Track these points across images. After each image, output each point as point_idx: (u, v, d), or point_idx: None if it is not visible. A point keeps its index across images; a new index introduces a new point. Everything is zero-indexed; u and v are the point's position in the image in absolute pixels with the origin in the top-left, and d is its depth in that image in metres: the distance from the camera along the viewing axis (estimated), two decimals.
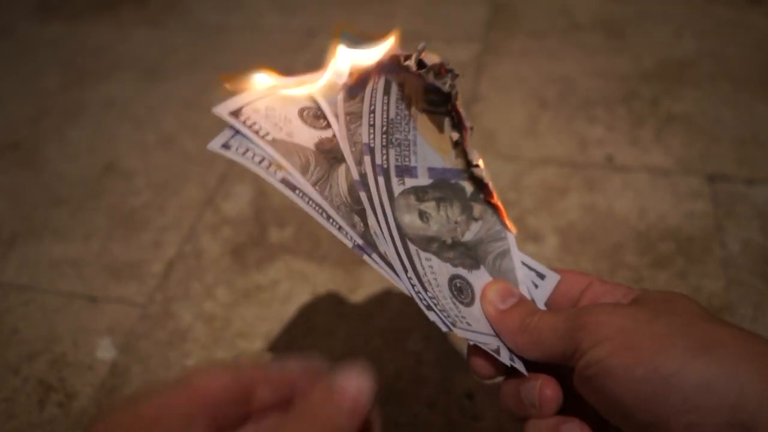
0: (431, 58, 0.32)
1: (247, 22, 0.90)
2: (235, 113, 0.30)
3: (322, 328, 0.51)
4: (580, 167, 0.64)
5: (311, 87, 0.33)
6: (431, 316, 0.30)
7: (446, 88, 0.33)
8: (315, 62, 0.32)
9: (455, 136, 0.35)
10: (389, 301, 0.52)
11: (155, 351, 0.50)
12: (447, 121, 0.35)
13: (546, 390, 0.29)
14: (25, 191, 0.66)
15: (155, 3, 0.97)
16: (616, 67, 0.76)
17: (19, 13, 0.98)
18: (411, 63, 0.31)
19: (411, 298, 0.30)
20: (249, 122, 0.30)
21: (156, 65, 0.83)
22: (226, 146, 0.30)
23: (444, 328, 0.30)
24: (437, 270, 0.32)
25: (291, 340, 0.50)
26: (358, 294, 0.53)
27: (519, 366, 0.30)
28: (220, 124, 0.30)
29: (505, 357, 0.30)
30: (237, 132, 0.30)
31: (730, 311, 0.49)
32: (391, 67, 0.32)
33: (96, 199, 0.64)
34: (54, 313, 0.53)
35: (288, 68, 0.32)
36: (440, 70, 0.33)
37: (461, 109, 0.35)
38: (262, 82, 0.32)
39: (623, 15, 0.86)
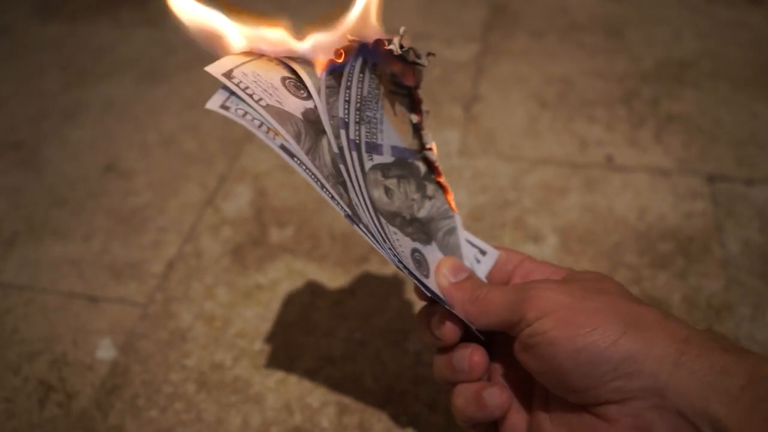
0: (407, 42, 0.34)
1: None
2: (228, 75, 0.30)
3: (322, 328, 0.51)
4: (580, 167, 0.64)
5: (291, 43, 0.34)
6: (416, 283, 0.33)
7: (424, 61, 0.34)
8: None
9: (414, 118, 0.37)
10: (389, 301, 0.52)
11: (155, 351, 0.50)
12: (407, 104, 0.37)
13: (474, 357, 0.33)
14: (26, 191, 0.66)
15: (155, 3, 0.97)
16: (616, 68, 0.77)
17: (19, 13, 0.98)
18: (395, 46, 0.33)
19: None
20: (242, 86, 0.30)
21: (156, 65, 0.83)
22: (225, 107, 0.30)
23: (429, 295, 0.33)
24: (402, 243, 0.34)
25: (291, 340, 0.50)
26: (358, 294, 0.53)
27: (478, 333, 0.34)
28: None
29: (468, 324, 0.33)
30: (232, 93, 0.30)
31: (730, 311, 0.49)
32: (374, 50, 0.33)
33: (96, 199, 0.65)
34: (54, 313, 0.53)
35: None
36: (415, 53, 0.35)
37: (420, 93, 0.36)
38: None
39: (623, 15, 0.86)
